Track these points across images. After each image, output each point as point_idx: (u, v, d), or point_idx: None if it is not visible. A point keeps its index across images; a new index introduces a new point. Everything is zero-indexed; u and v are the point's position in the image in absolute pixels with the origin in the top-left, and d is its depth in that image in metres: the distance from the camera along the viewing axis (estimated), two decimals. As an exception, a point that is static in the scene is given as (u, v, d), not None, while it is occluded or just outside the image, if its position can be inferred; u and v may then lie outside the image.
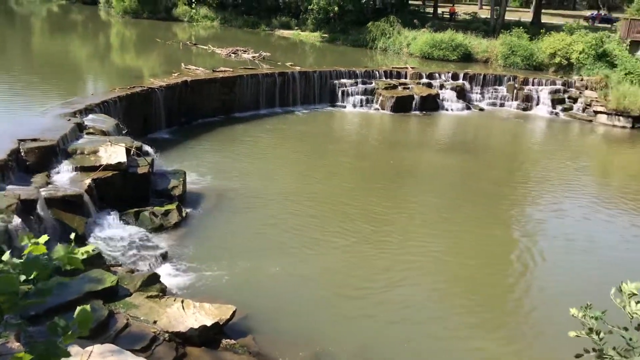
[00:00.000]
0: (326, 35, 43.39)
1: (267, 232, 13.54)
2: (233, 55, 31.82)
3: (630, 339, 4.92)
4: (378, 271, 12.05)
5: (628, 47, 31.65)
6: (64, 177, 12.49)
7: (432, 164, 20.48)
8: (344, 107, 27.38)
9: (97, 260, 9.91)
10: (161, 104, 20.59)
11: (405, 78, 29.46)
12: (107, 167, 12.93)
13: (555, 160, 21.97)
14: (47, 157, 12.65)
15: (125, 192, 13.13)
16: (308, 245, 12.93)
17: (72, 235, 2.83)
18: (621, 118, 27.74)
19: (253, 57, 31.09)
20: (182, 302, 9.29)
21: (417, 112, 27.73)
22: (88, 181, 12.35)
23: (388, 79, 28.96)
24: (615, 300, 5.10)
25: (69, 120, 14.82)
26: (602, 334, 5.07)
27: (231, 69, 25.54)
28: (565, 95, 30.19)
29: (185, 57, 29.21)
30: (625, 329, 5.00)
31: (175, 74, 23.28)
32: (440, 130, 25.84)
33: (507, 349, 9.83)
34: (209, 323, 8.77)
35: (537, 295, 11.78)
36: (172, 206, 13.52)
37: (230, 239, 12.98)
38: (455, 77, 30.17)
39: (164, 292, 9.90)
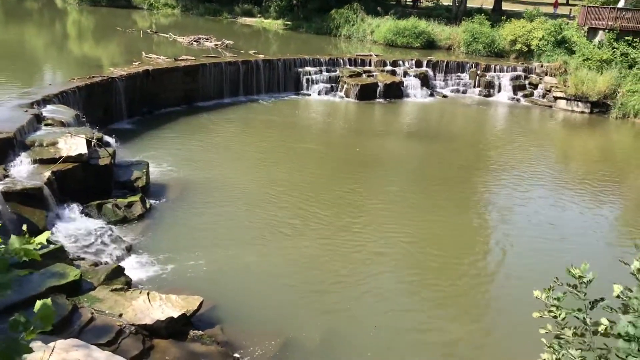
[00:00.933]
0: (289, 22, 43.14)
1: (233, 222, 13.45)
2: (195, 43, 31.37)
3: (584, 319, 5.08)
4: (346, 260, 12.11)
5: (586, 34, 32.35)
6: (23, 170, 12.13)
7: (398, 152, 20.63)
8: (309, 95, 27.33)
9: (59, 254, 9.68)
10: (122, 93, 20.18)
11: (370, 66, 29.54)
12: (67, 159, 12.62)
13: (518, 146, 22.39)
14: (3, 149, 12.26)
15: (86, 184, 12.85)
16: (275, 235, 12.90)
17: (25, 227, 2.74)
18: (580, 103, 28.42)
19: (216, 45, 30.70)
20: (148, 294, 9.16)
21: (382, 100, 27.88)
22: (48, 174, 12.03)
23: (352, 67, 29.00)
24: (567, 285, 5.25)
25: (26, 111, 14.38)
26: (563, 315, 5.22)
27: (193, 58, 25.17)
28: (526, 82, 30.77)
29: (146, 46, 28.66)
30: (580, 310, 5.16)
31: (136, 63, 22.82)
32: (405, 118, 26.03)
33: (475, 332, 10.02)
34: (175, 315, 8.68)
35: (504, 280, 12.02)
36: (136, 198, 13.31)
37: (195, 230, 12.86)
38: (418, 64, 30.40)
39: (129, 284, 9.75)
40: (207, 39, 31.93)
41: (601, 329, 4.75)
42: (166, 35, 33.55)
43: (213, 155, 18.10)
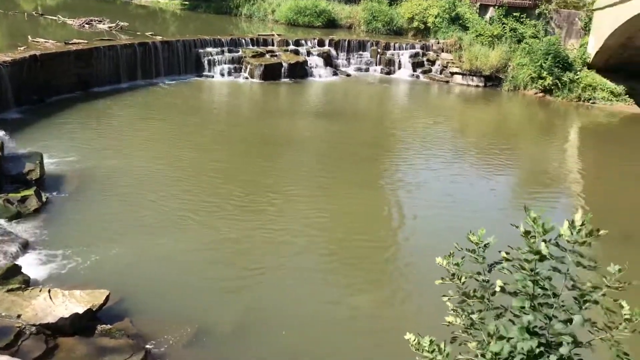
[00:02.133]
0: (187, 2, 41.81)
1: (139, 211, 12.99)
2: (87, 26, 29.71)
3: (484, 281, 5.39)
4: (256, 243, 12.07)
5: (478, 10, 33.80)
6: None
7: (306, 132, 20.71)
8: (212, 76, 26.74)
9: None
10: (7, 81, 18.77)
11: (272, 45, 29.32)
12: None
13: (419, 122, 23.17)
14: None
15: (-28, 179, 11.94)
16: (182, 222, 12.61)
17: None
18: (474, 78, 29.77)
19: (110, 27, 29.24)
20: (49, 291, 8.70)
21: (287, 80, 27.80)
22: None
23: (255, 47, 28.65)
24: (467, 250, 5.53)
25: None
26: (463, 279, 5.49)
27: (86, 41, 23.82)
28: (424, 59, 31.75)
29: (32, 29, 26.80)
30: (479, 273, 5.46)
31: (22, 48, 21.28)
32: (311, 97, 26.15)
33: (386, 303, 10.33)
34: (80, 310, 8.31)
35: (411, 251, 12.43)
36: (30, 191, 12.52)
37: (99, 222, 12.31)
38: (321, 43, 30.54)
39: (27, 283, 9.20)
40: (100, 21, 30.33)
41: (496, 289, 5.04)
42: (54, 18, 31.50)
43: (113, 142, 17.32)
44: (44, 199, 12.68)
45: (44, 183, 13.58)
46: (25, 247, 10.82)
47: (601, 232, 4.80)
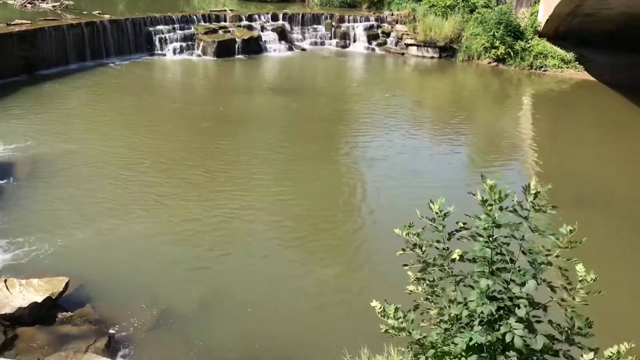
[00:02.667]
0: (135, -21, 40.51)
1: (94, 195, 12.69)
2: (29, 5, 28.50)
3: (444, 249, 5.51)
4: (217, 220, 11.99)
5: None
6: None
7: (263, 108, 20.50)
8: (164, 55, 26.13)
9: None
10: (-53, 65, 17.96)
11: (225, 21, 28.77)
12: None
13: (377, 95, 23.21)
14: None
15: None
16: (141, 204, 12.40)
17: None
18: (429, 49, 29.93)
19: (54, 6, 28.14)
20: (5, 281, 8.48)
21: (241, 56, 27.40)
22: None
23: (207, 23, 28.06)
24: (424, 218, 5.61)
25: None
26: (424, 247, 5.59)
27: (29, 22, 22.85)
28: (379, 31, 31.70)
29: (-29, 10, 25.59)
30: (438, 241, 5.57)
31: (-39, 30, 20.33)
32: (266, 73, 25.87)
33: (349, 275, 10.43)
34: (39, 299, 8.14)
35: (373, 223, 12.52)
36: (-21, 180, 12.09)
37: (52, 208, 11.99)
38: (275, 18, 30.13)
39: (-19, 275, 8.93)
40: (43, 0, 29.16)
41: (455, 256, 5.15)
42: (-6, -2, 30.12)
43: (65, 126, 16.81)
44: (-6, 188, 12.27)
45: (-6, 171, 13.14)
46: (-24, 237, 10.47)
47: (553, 205, 4.94)
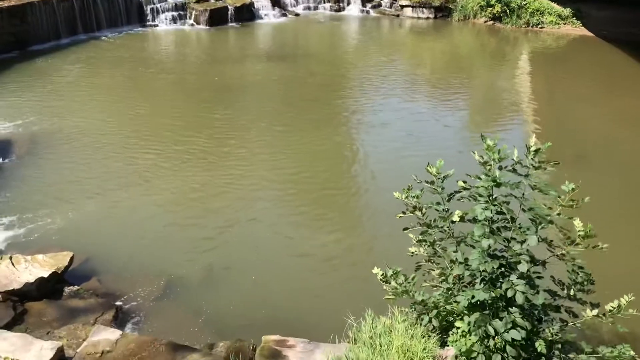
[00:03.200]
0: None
1: (94, 170, 12.69)
2: (18, -21, 27.99)
3: (444, 210, 5.55)
4: (219, 191, 12.01)
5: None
6: None
7: (259, 76, 20.34)
8: (156, 26, 25.84)
9: None
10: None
11: (216, -11, 28.35)
12: None
13: (373, 58, 23.01)
14: None
15: None
16: (141, 178, 12.40)
17: None
18: (424, 10, 29.57)
19: (42, -21, 27.63)
20: (11, 258, 8.54)
21: (234, 24, 27.09)
22: None
23: (198, -8, 27.65)
24: (423, 182, 5.64)
25: None
26: (424, 209, 5.62)
27: (18, -4, 22.54)
28: (373, -7, 31.24)
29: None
30: (438, 203, 5.60)
31: (-51, 8, 20.04)
32: (260, 40, 25.59)
33: (351, 240, 10.50)
34: (45, 274, 8.21)
35: (372, 188, 12.49)
36: (-22, 159, 12.08)
37: (53, 185, 12.01)
38: (266, -17, 29.65)
39: (-14, 253, 9.00)
40: (31, -26, 28.59)
41: (456, 217, 5.19)
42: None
43: (59, 102, 16.70)
44: (-7, 166, 12.27)
45: (-8, 149, 13.12)
46: (-20, 216, 10.52)
47: (552, 162, 4.95)
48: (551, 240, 5.30)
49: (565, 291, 5.37)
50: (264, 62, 21.88)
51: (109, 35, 24.12)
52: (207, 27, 26.18)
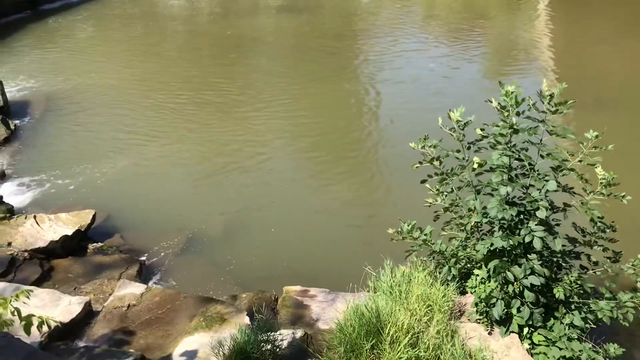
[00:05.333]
0: None
1: (110, 129, 12.75)
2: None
3: (464, 158, 5.49)
4: (235, 145, 12.03)
5: None
6: None
7: (270, 28, 20.06)
8: (166, -20, 25.37)
9: None
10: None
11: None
12: None
13: (384, 7, 22.48)
14: None
15: None
16: (158, 135, 12.44)
17: None
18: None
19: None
20: (35, 217, 8.72)
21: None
22: None
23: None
24: (444, 128, 5.56)
25: None
26: (442, 159, 5.58)
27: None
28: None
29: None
30: (458, 150, 5.54)
31: (-42, -32, 19.86)
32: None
33: (368, 190, 10.52)
34: (69, 232, 8.38)
35: (389, 140, 12.38)
36: (-4, 120, 12.19)
37: (72, 144, 12.12)
38: None
39: (11, 212, 9.17)
40: None
41: (475, 165, 5.14)
42: None
43: (74, 61, 16.68)
44: (12, 127, 12.38)
45: (9, 111, 13.20)
46: (2, 176, 10.69)
47: (569, 101, 4.84)
48: (571, 187, 5.24)
49: (587, 237, 5.34)
50: (274, 15, 21.57)
51: (118, -9, 23.82)
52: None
